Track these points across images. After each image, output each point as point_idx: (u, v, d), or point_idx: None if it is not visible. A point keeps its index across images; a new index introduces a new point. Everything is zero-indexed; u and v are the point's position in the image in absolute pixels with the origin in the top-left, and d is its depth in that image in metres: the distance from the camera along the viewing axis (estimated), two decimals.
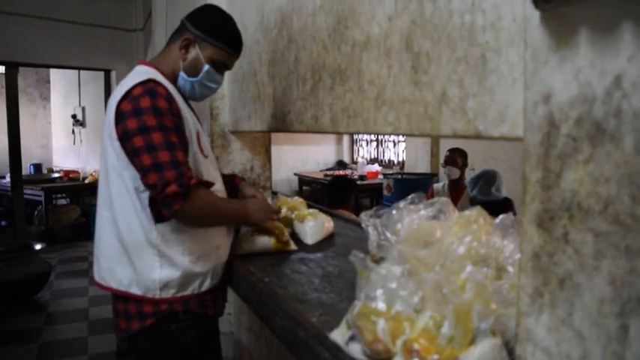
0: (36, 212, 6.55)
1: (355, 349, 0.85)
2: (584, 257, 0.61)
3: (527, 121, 0.69)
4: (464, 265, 0.83)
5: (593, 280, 0.60)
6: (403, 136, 6.00)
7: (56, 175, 7.00)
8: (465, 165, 3.94)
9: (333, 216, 2.15)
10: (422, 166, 5.92)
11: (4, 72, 5.62)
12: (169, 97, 1.38)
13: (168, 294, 1.42)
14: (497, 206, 3.40)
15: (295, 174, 7.32)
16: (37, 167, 7.41)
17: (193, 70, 1.49)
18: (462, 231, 0.95)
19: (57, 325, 3.84)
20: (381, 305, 0.81)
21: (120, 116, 1.35)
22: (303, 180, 7.15)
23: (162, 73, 1.47)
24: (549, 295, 0.65)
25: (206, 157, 1.51)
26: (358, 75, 1.33)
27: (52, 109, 8.29)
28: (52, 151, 8.39)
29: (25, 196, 5.94)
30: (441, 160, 4.14)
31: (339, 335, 0.91)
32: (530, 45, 0.69)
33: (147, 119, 1.31)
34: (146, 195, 1.38)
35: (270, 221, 1.64)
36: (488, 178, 3.62)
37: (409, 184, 5.00)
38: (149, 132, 1.31)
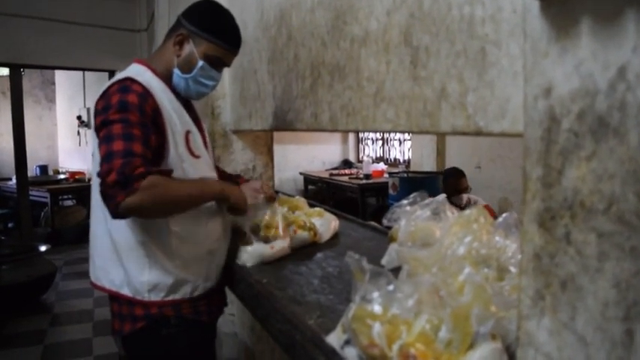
0: (42, 214, 6.57)
1: (351, 353, 0.82)
2: (587, 258, 0.58)
3: (527, 115, 0.66)
4: (462, 267, 0.80)
5: (597, 282, 0.57)
6: (403, 133, 5.96)
7: (62, 176, 7.05)
8: (465, 185, 3.84)
9: (337, 215, 2.12)
10: (428, 165, 5.86)
11: (8, 74, 5.63)
12: (144, 94, 1.32)
13: (158, 297, 1.40)
14: None
15: (301, 173, 7.30)
16: (43, 169, 7.45)
17: (187, 66, 1.45)
18: (462, 231, 0.92)
19: (62, 326, 3.84)
20: (377, 308, 0.78)
21: (94, 114, 1.35)
22: (308, 179, 7.13)
23: (154, 71, 1.44)
24: (551, 297, 0.62)
25: (197, 157, 1.46)
26: (357, 71, 1.30)
27: (58, 110, 8.32)
28: (58, 153, 8.42)
29: (32, 198, 5.97)
30: (447, 158, 4.11)
31: (335, 339, 0.88)
32: (529, 36, 0.66)
33: (111, 114, 1.28)
34: None
35: (253, 195, 1.63)
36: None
37: (415, 183, 4.95)
38: (110, 125, 1.27)
